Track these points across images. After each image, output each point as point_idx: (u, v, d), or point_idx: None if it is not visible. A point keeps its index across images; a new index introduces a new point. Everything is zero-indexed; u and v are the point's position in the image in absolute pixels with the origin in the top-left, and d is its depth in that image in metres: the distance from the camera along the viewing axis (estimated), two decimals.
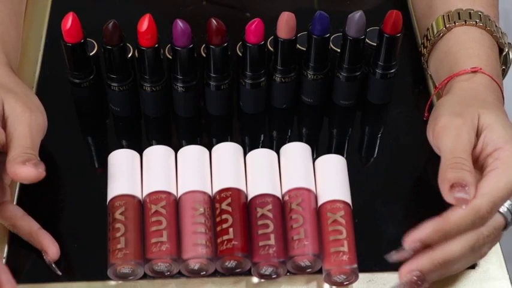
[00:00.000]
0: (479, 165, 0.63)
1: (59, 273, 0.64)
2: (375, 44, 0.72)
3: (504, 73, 0.73)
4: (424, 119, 0.74)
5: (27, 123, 0.63)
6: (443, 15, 0.73)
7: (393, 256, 0.61)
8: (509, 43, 0.73)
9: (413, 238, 0.60)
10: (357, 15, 0.69)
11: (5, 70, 0.69)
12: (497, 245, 0.66)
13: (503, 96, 0.69)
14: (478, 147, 0.63)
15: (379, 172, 0.72)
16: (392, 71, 0.73)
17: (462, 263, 0.62)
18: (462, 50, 0.71)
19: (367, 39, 0.73)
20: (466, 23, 0.72)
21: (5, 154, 0.62)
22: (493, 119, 0.63)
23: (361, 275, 0.64)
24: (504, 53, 0.73)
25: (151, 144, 0.70)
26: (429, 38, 0.74)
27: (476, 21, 0.71)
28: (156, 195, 0.65)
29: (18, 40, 0.76)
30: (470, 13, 0.72)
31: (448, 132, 0.63)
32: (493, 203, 0.60)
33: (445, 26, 0.72)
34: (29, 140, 0.62)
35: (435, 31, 0.73)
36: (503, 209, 0.62)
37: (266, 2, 0.85)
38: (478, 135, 0.63)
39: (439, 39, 0.73)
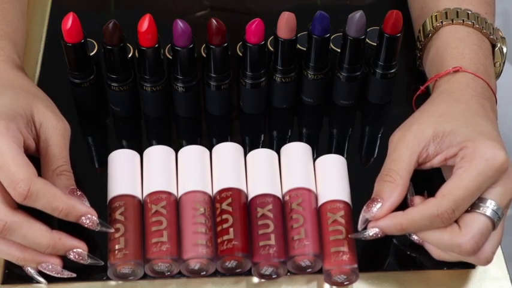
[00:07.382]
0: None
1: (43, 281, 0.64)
2: (375, 44, 0.72)
3: (500, 67, 0.73)
4: None
5: (62, 133, 0.65)
6: (431, 16, 0.73)
7: (353, 235, 0.63)
8: (502, 37, 0.73)
9: (374, 225, 0.62)
10: (357, 15, 0.69)
11: (23, 73, 0.69)
12: None
13: (492, 89, 0.69)
14: (444, 154, 0.63)
15: (379, 172, 0.72)
16: (392, 71, 0.73)
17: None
18: (448, 50, 0.71)
19: (367, 39, 0.73)
20: (453, 22, 0.71)
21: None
22: (454, 124, 0.63)
23: (361, 275, 0.64)
24: (496, 48, 0.72)
25: (151, 144, 0.70)
26: (420, 39, 0.74)
27: (463, 20, 0.71)
28: (156, 195, 0.65)
29: (24, 40, 0.76)
30: (457, 12, 0.72)
31: (390, 144, 0.65)
32: (454, 203, 0.60)
33: (433, 27, 0.72)
34: (64, 152, 0.64)
35: (425, 32, 0.73)
36: (487, 211, 0.60)
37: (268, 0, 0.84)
38: (440, 143, 0.63)
39: (429, 40, 0.73)
